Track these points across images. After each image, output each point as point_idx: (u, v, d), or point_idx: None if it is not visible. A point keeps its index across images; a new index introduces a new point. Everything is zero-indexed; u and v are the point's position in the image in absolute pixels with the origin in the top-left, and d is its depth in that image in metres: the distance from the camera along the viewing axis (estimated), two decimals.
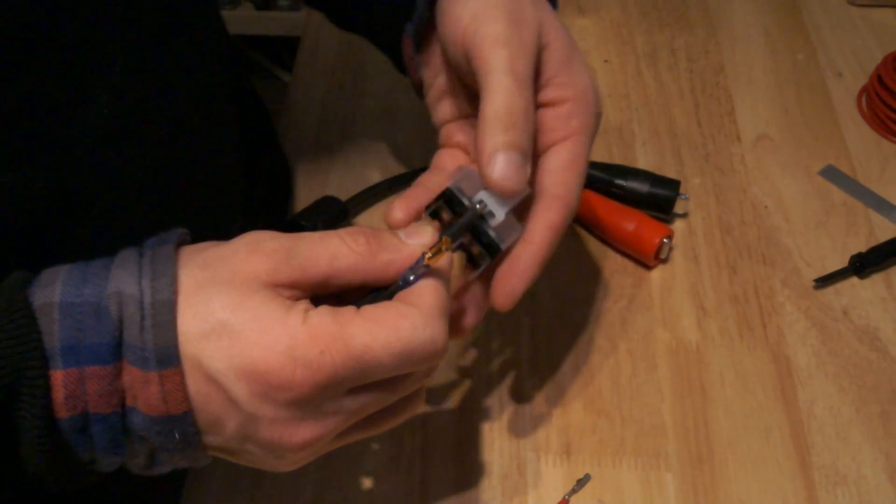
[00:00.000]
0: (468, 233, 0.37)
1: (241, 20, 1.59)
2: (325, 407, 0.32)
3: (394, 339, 0.31)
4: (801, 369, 0.51)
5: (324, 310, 0.32)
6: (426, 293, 0.33)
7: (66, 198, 0.38)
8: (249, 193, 0.54)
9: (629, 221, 0.56)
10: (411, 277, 0.34)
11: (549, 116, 0.39)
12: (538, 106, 0.39)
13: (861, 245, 0.57)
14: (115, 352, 0.30)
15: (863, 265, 0.55)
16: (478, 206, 0.37)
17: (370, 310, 0.32)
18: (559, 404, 0.50)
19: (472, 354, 0.53)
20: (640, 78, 0.69)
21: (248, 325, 0.30)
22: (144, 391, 0.30)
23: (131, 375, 0.30)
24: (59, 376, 0.29)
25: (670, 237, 0.55)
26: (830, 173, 0.62)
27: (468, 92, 0.42)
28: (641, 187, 0.57)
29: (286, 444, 0.32)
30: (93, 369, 0.30)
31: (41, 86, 0.36)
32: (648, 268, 0.56)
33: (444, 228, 0.37)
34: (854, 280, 0.55)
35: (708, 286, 0.55)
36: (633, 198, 0.57)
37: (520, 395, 0.51)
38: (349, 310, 0.32)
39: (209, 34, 0.48)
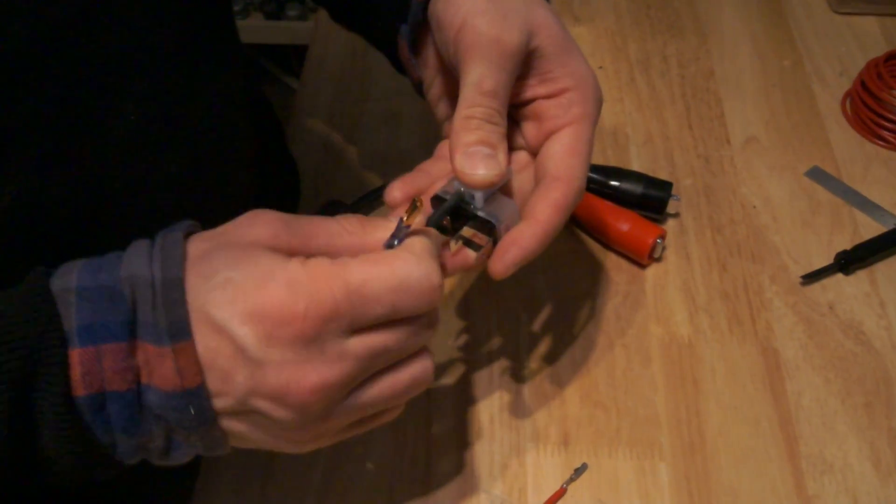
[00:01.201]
0: (466, 222, 0.37)
1: (251, 29, 1.59)
2: (329, 346, 0.31)
3: (389, 273, 0.32)
4: (789, 362, 0.51)
5: (321, 257, 0.32)
6: (415, 241, 0.34)
7: (89, 204, 0.38)
8: (260, 197, 0.53)
9: (623, 222, 0.55)
10: (395, 242, 0.34)
11: (549, 106, 0.39)
12: (539, 98, 0.39)
13: (846, 243, 0.57)
14: (130, 330, 0.30)
15: (847, 262, 0.55)
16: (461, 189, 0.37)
17: (365, 255, 0.33)
18: (557, 397, 0.50)
19: (472, 349, 0.52)
20: (634, 84, 0.69)
21: (250, 274, 0.31)
22: (159, 366, 0.30)
23: (146, 353, 0.30)
24: (76, 354, 0.30)
25: (663, 237, 0.55)
26: (816, 174, 0.61)
27: None
28: (635, 189, 0.57)
29: (295, 390, 0.31)
30: (108, 346, 0.30)
31: (70, 96, 0.36)
32: (642, 266, 0.56)
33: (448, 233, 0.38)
34: (839, 276, 0.55)
35: (699, 283, 0.55)
36: (627, 199, 0.57)
37: (519, 388, 0.51)
38: (344, 257, 0.33)
39: (227, 46, 0.48)
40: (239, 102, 0.50)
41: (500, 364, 0.52)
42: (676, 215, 0.58)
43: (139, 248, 0.32)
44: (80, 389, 0.30)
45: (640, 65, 0.70)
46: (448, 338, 0.53)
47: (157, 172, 0.41)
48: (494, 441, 0.48)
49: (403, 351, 0.34)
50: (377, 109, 0.67)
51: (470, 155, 0.36)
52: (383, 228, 0.35)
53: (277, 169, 0.61)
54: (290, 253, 0.32)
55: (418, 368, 0.35)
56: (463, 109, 0.37)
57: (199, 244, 0.32)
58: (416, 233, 0.35)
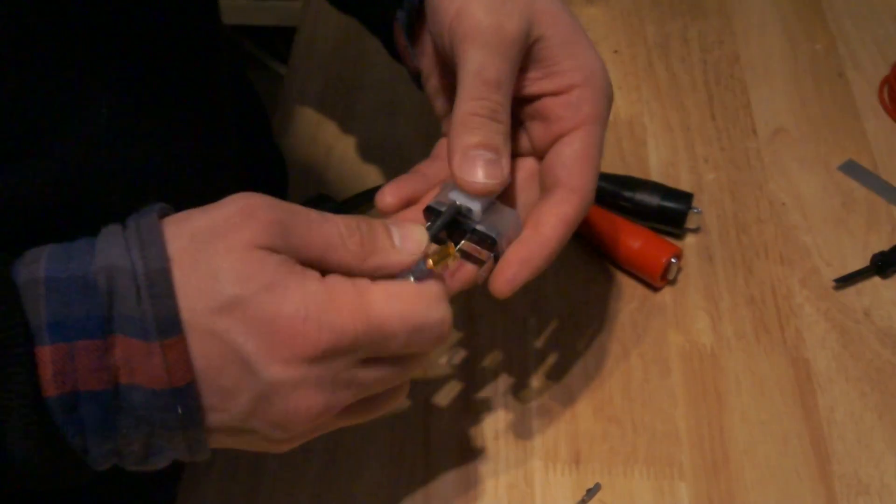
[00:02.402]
0: (465, 235, 0.38)
1: (234, 10, 1.59)
2: (340, 376, 0.33)
3: (410, 313, 0.33)
4: (821, 373, 0.51)
5: (340, 277, 0.33)
6: (433, 284, 0.35)
7: (60, 203, 0.38)
8: (243, 189, 0.53)
9: (634, 239, 0.54)
10: (411, 278, 0.35)
11: (556, 104, 0.39)
12: (545, 95, 0.39)
13: (883, 243, 0.57)
14: (106, 326, 0.30)
15: (885, 264, 0.55)
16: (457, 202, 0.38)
17: (387, 284, 0.34)
18: (568, 411, 0.50)
19: (476, 358, 0.53)
20: (652, 69, 0.69)
21: (265, 295, 0.31)
22: (146, 364, 0.30)
23: (129, 349, 0.30)
24: (46, 352, 0.30)
25: (679, 256, 0.54)
26: (850, 168, 0.62)
27: None
28: (651, 200, 0.56)
29: (298, 414, 0.32)
30: (83, 343, 0.30)
31: (36, 86, 0.36)
32: (655, 289, 0.55)
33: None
34: (876, 280, 0.55)
35: (723, 287, 0.55)
36: (641, 211, 0.57)
37: (526, 401, 0.51)
38: (365, 280, 0.33)
39: (208, 28, 0.48)
40: (222, 90, 0.50)
41: (506, 375, 0.52)
42: (697, 230, 0.58)
43: (113, 236, 0.32)
44: (51, 389, 0.30)
45: (659, 49, 0.70)
46: (449, 346, 0.53)
47: (133, 168, 0.41)
48: (500, 459, 0.48)
49: (401, 380, 0.36)
50: (372, 98, 0.67)
51: (470, 158, 0.37)
52: (383, 255, 0.34)
53: (262, 163, 0.61)
54: (285, 256, 0.32)
55: (397, 396, 0.37)
56: (465, 103, 0.37)
57: (184, 242, 0.32)
58: (434, 276, 0.36)
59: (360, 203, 0.60)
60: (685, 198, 0.57)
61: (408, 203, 0.41)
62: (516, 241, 0.38)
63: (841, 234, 0.58)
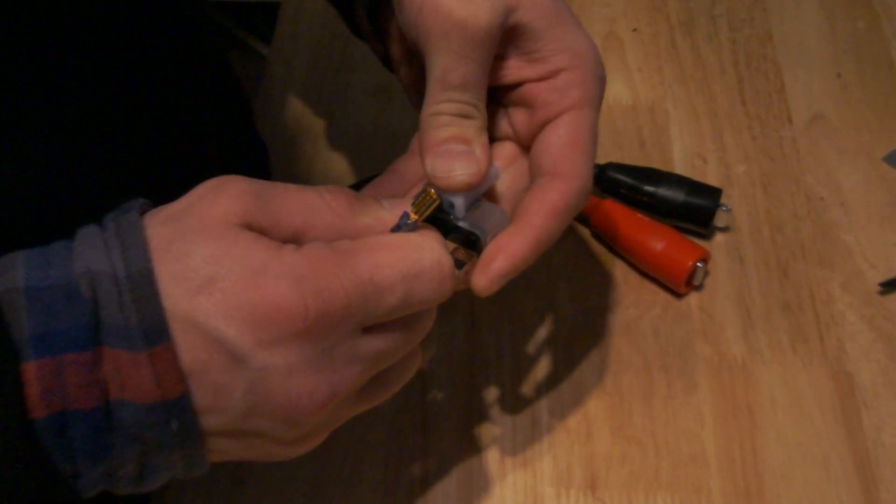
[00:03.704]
0: (447, 235, 0.38)
1: None
2: (340, 350, 0.33)
3: (400, 258, 0.33)
4: (866, 388, 0.51)
5: (317, 243, 0.33)
6: (421, 230, 0.36)
7: (30, 202, 0.39)
8: None
9: (656, 240, 0.54)
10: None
11: (541, 90, 0.39)
12: (529, 81, 0.40)
13: None
14: (93, 335, 0.30)
15: None
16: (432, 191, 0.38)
17: (370, 239, 0.34)
18: (582, 430, 0.50)
19: (478, 370, 0.52)
20: (675, 50, 0.68)
21: (240, 271, 0.31)
22: (134, 376, 0.30)
23: (116, 361, 0.30)
24: (31, 369, 0.29)
25: (706, 260, 0.54)
26: None
27: None
28: (675, 196, 0.56)
29: (302, 402, 0.32)
30: (71, 357, 0.30)
31: (6, 77, 0.37)
32: (678, 296, 0.55)
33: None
34: None
35: (755, 292, 0.55)
36: (664, 208, 0.56)
37: (536, 419, 0.50)
38: (344, 241, 0.34)
39: (185, 3, 0.48)
40: (200, 74, 0.50)
41: (513, 389, 0.52)
42: (726, 229, 0.58)
43: (91, 237, 0.32)
44: (38, 410, 0.30)
45: (683, 27, 0.70)
46: (450, 356, 0.53)
47: (106, 163, 0.42)
48: (506, 484, 0.48)
49: (410, 349, 0.36)
50: (364, 80, 0.67)
51: (442, 154, 0.37)
52: (372, 215, 0.35)
53: (242, 153, 0.61)
54: (261, 231, 0.33)
55: (411, 365, 0.38)
56: (430, 106, 0.38)
57: (159, 229, 0.32)
58: (421, 228, 0.36)
59: None
60: (713, 193, 0.56)
61: None
62: (499, 235, 0.39)
63: (886, 233, 0.57)
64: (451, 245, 0.38)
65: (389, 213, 0.36)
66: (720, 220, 0.57)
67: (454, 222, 0.38)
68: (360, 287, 0.32)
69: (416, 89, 0.44)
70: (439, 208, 0.38)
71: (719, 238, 0.57)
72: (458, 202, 0.38)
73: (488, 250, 0.38)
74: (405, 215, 0.36)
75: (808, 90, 0.66)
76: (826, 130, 0.63)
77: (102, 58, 0.41)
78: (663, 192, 0.56)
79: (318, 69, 0.69)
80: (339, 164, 0.63)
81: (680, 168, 0.61)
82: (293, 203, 0.34)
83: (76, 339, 0.30)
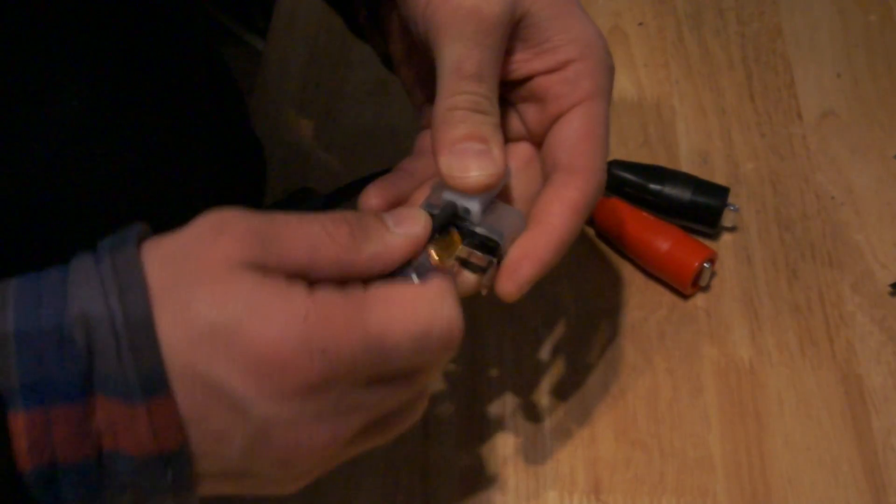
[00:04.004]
0: (463, 240, 0.38)
1: None
2: (343, 402, 0.32)
3: (412, 319, 0.32)
4: (876, 391, 0.51)
5: (329, 287, 0.32)
6: (435, 275, 0.35)
7: (28, 205, 0.38)
8: (217, 182, 0.53)
9: (662, 239, 0.54)
10: (414, 276, 0.35)
11: (551, 83, 0.39)
12: (538, 75, 0.40)
13: None
14: (86, 386, 0.30)
15: None
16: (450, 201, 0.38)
17: (382, 289, 0.33)
18: (586, 433, 0.50)
19: (481, 373, 0.52)
20: (682, 44, 0.68)
21: (246, 317, 0.30)
22: (131, 428, 0.30)
23: (111, 412, 0.30)
24: (20, 420, 0.29)
25: (713, 261, 0.54)
26: None
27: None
28: (682, 195, 0.56)
29: (303, 451, 0.32)
30: (60, 409, 0.29)
31: (2, 78, 0.37)
32: (685, 297, 0.55)
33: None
34: None
35: (763, 293, 0.55)
36: (670, 207, 0.56)
37: (539, 423, 0.50)
38: (358, 289, 0.33)
39: (184, 5, 0.48)
40: (192, 69, 0.50)
41: (515, 393, 0.52)
42: (733, 229, 0.58)
43: (86, 272, 0.31)
44: (26, 463, 0.29)
45: (690, 20, 0.70)
46: (451, 359, 0.53)
47: (107, 164, 0.42)
48: (508, 489, 0.48)
49: (413, 399, 0.36)
50: (363, 76, 0.67)
51: (458, 153, 0.37)
52: (376, 240, 0.35)
53: (237, 152, 0.61)
54: (267, 274, 0.32)
55: (416, 409, 0.37)
56: (444, 99, 0.37)
57: (158, 272, 0.31)
58: (439, 271, 0.35)
59: (351, 195, 0.60)
60: (721, 192, 0.56)
61: (395, 204, 0.41)
62: (519, 238, 0.38)
63: None
64: (467, 250, 0.38)
65: (395, 235, 0.35)
66: (728, 219, 0.57)
67: (470, 227, 0.38)
68: (368, 347, 0.32)
69: (419, 87, 0.44)
70: (454, 214, 0.38)
71: (727, 238, 0.57)
72: (475, 207, 0.37)
73: (513, 255, 0.38)
74: (426, 255, 0.35)
75: (818, 86, 0.65)
76: (837, 127, 0.63)
77: (89, 52, 0.41)
78: (669, 190, 0.56)
79: (316, 65, 0.69)
80: (336, 162, 0.63)
81: (686, 166, 0.61)
82: (296, 239, 0.33)
83: (68, 390, 0.29)
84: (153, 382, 0.30)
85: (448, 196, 0.38)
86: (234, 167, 0.59)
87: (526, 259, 0.37)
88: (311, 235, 0.33)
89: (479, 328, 0.54)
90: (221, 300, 0.30)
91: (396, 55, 0.45)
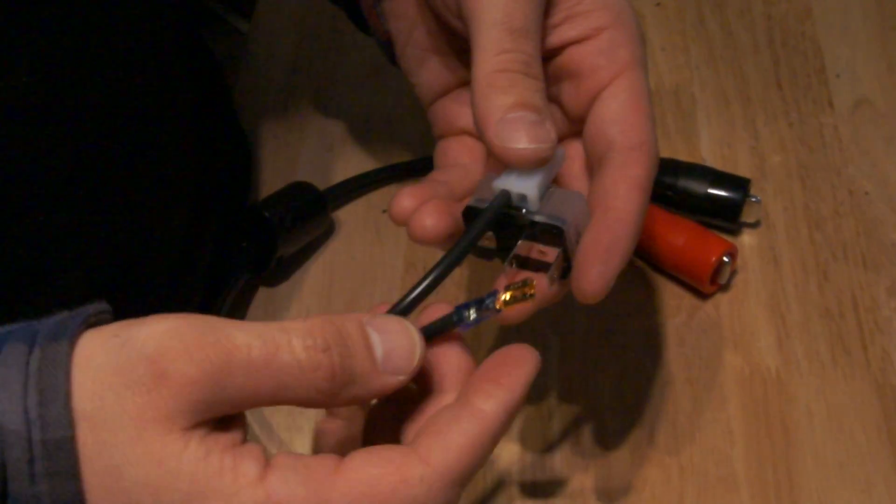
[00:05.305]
0: (519, 233, 0.37)
1: None
2: None
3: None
4: None
5: (289, 471, 0.30)
6: (451, 440, 0.32)
7: None
8: (198, 177, 0.53)
9: (677, 234, 0.54)
10: (472, 312, 0.34)
11: (586, 53, 0.39)
12: (567, 45, 0.40)
13: None
14: None
15: None
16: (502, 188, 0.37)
17: (360, 467, 0.31)
18: (598, 450, 0.50)
19: None
20: (703, 26, 0.69)
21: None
22: None
23: None
24: None
25: (733, 255, 0.54)
26: None
27: (460, 45, 0.42)
28: (698, 187, 0.56)
29: None
30: None
31: None
32: (704, 296, 0.55)
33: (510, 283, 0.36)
34: None
35: (792, 297, 0.55)
36: (687, 202, 0.57)
37: (547, 437, 0.51)
38: (325, 464, 0.31)
39: None
40: (170, 54, 0.50)
41: (522, 405, 0.52)
42: (756, 224, 0.58)
43: (11, 367, 0.29)
44: None
45: (712, 1, 0.70)
46: None
47: (57, 152, 0.41)
48: None
49: None
50: (355, 61, 0.67)
51: (509, 122, 0.36)
52: (361, 383, 0.32)
53: (220, 145, 0.61)
54: (214, 420, 0.30)
55: None
56: (490, 58, 0.37)
57: (84, 402, 0.29)
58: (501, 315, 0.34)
59: (348, 192, 0.60)
60: (740, 184, 0.57)
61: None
62: (588, 229, 0.37)
63: None
64: (527, 245, 0.37)
65: (384, 380, 0.32)
66: (749, 213, 0.57)
67: (528, 217, 0.37)
68: None
69: (428, 69, 0.44)
70: (508, 204, 0.37)
71: (751, 237, 0.58)
72: (532, 192, 0.36)
73: (585, 250, 0.37)
74: (491, 299, 0.34)
75: (851, 72, 0.66)
76: (871, 117, 0.63)
77: (64, 32, 0.40)
78: (684, 182, 0.57)
79: (305, 48, 0.69)
80: (328, 155, 0.63)
81: (707, 158, 0.61)
82: (261, 379, 0.30)
83: None
84: None
85: (500, 184, 0.37)
86: (216, 159, 0.59)
87: (608, 251, 0.37)
88: (279, 373, 0.30)
89: (481, 339, 0.54)
90: (155, 487, 0.29)
91: (400, 35, 0.44)
